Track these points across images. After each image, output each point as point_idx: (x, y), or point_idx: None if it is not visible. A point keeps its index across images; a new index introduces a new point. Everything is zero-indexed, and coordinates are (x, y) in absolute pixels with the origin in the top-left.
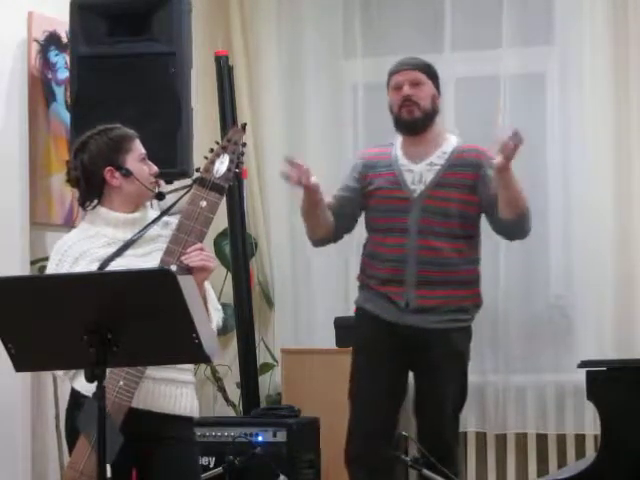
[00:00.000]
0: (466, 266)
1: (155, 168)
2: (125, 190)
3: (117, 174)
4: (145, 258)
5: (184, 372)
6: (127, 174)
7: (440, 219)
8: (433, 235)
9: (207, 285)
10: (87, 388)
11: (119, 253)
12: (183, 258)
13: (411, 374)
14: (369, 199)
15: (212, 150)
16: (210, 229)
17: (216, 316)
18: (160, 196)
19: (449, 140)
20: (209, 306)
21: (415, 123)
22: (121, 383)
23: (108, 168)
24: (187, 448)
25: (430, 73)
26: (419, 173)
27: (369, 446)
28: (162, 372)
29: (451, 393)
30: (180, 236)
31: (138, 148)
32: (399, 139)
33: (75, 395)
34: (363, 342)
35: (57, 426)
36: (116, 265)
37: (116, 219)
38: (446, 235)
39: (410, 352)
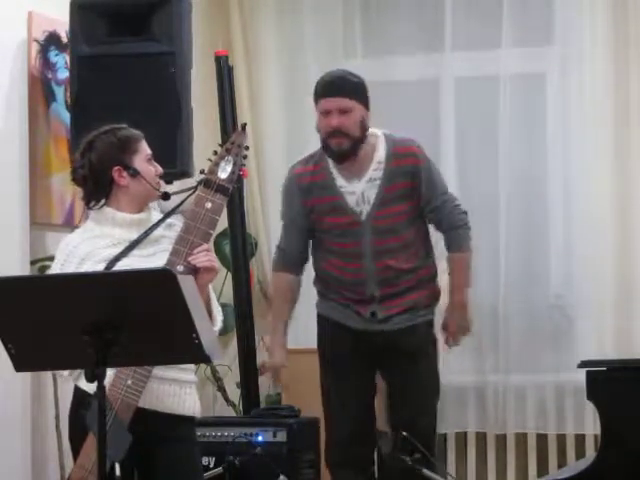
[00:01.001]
0: (423, 265)
1: (160, 169)
2: (132, 190)
3: (125, 174)
4: (150, 259)
5: (187, 372)
6: (135, 174)
7: (391, 236)
8: (388, 254)
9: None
10: (93, 387)
11: (125, 253)
12: (190, 259)
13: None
14: (315, 224)
15: (216, 152)
16: None
17: (220, 318)
18: (166, 196)
19: (379, 145)
20: (213, 308)
21: (344, 153)
22: (129, 382)
23: (116, 168)
24: (189, 448)
25: (359, 95)
26: (361, 193)
27: (347, 448)
28: (167, 372)
29: (427, 382)
30: (186, 237)
31: (145, 148)
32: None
33: (80, 394)
34: (330, 348)
35: (57, 426)
36: (122, 265)
37: (123, 219)
38: (400, 249)
39: (378, 352)
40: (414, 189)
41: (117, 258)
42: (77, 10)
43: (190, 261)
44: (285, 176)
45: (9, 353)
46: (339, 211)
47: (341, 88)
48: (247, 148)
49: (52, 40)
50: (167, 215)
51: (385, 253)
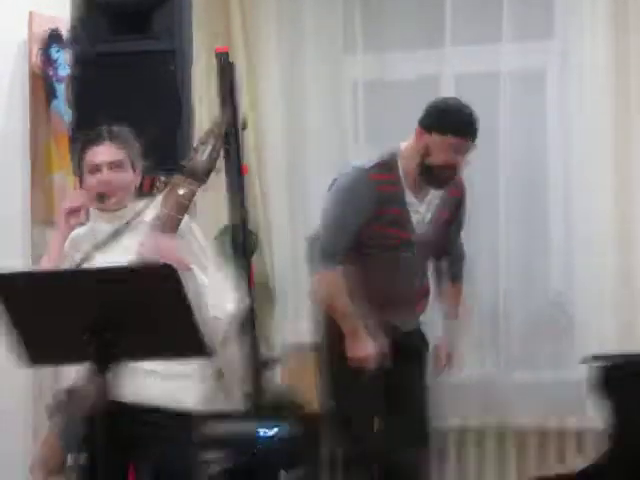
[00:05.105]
0: (427, 280)
1: (104, 178)
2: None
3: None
4: (129, 250)
5: (174, 364)
6: (80, 183)
7: (427, 256)
8: (421, 273)
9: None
10: (65, 379)
11: (101, 246)
12: (139, 247)
13: None
14: (371, 235)
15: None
16: (211, 226)
17: (216, 311)
18: (100, 198)
19: None
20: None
21: (444, 184)
22: None
23: (78, 175)
24: (181, 446)
25: None
26: (422, 214)
27: (375, 444)
28: (154, 364)
29: (428, 385)
30: (157, 225)
31: (91, 159)
32: (401, 161)
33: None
34: None
35: None
36: (98, 257)
37: (96, 215)
38: (426, 268)
39: (391, 351)
40: (452, 218)
41: (92, 251)
42: (78, 7)
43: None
44: (352, 178)
45: (10, 350)
46: (403, 225)
47: (477, 134)
48: (227, 133)
49: (53, 37)
50: (144, 207)
51: (419, 272)
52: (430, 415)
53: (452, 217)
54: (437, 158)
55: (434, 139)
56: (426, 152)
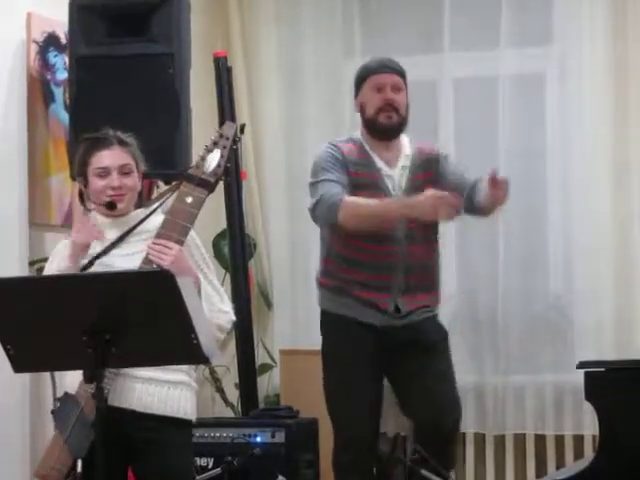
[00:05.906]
0: (436, 268)
1: (115, 182)
2: (91, 198)
3: (84, 183)
4: (133, 257)
5: (174, 372)
6: (86, 185)
7: (418, 224)
8: (415, 240)
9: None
10: (66, 383)
11: (105, 252)
12: (148, 250)
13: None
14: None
15: (206, 147)
16: (209, 230)
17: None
18: (109, 206)
19: (404, 140)
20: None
21: (393, 129)
22: None
23: (80, 177)
24: (175, 453)
25: (405, 81)
26: (396, 179)
27: (366, 451)
28: (149, 371)
29: (449, 372)
30: (164, 233)
31: (97, 161)
32: (361, 136)
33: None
34: (350, 348)
35: None
36: (99, 263)
37: (102, 222)
38: (423, 240)
39: (399, 348)
40: (438, 174)
41: (97, 256)
42: (76, 11)
43: (147, 254)
44: (320, 149)
45: (8, 354)
46: (377, 189)
47: (396, 67)
48: (238, 139)
49: (51, 41)
50: (149, 214)
51: (413, 239)
52: (458, 409)
53: (434, 175)
54: (371, 106)
55: (362, 93)
56: (362, 109)
